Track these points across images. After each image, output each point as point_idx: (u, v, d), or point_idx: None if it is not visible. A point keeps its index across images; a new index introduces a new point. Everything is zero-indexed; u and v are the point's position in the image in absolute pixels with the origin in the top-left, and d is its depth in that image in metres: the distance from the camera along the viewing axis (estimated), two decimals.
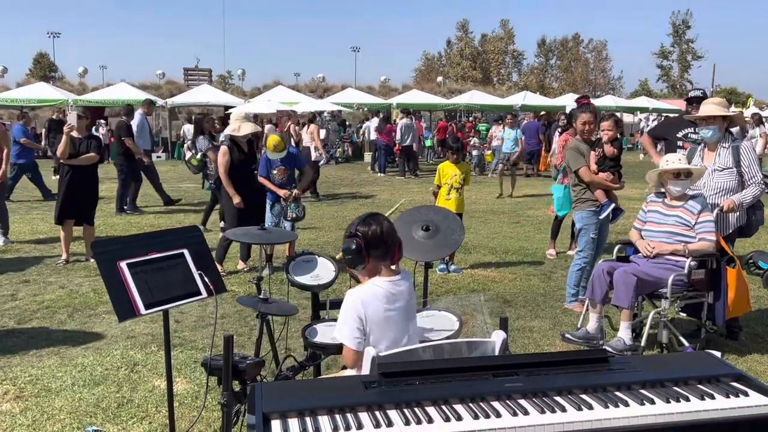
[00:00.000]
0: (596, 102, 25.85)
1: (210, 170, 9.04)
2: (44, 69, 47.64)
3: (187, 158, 9.57)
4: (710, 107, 4.87)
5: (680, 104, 22.12)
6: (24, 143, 12.31)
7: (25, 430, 3.46)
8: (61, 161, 7.09)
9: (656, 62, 57.97)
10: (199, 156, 9.32)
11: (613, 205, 5.50)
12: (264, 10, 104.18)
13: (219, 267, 6.65)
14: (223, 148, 6.74)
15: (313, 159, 13.62)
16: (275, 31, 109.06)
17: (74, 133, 7.06)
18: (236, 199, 6.60)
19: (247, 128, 6.66)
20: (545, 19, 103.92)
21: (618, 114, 15.19)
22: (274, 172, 6.74)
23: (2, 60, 76.56)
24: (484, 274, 7.01)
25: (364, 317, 2.51)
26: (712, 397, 1.94)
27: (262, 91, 30.87)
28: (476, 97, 28.68)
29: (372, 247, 2.54)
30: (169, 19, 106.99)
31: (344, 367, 2.76)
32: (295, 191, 6.73)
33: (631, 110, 31.98)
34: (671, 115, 23.26)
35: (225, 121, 9.26)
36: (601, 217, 5.49)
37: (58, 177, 16.01)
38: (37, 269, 6.98)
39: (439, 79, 45.36)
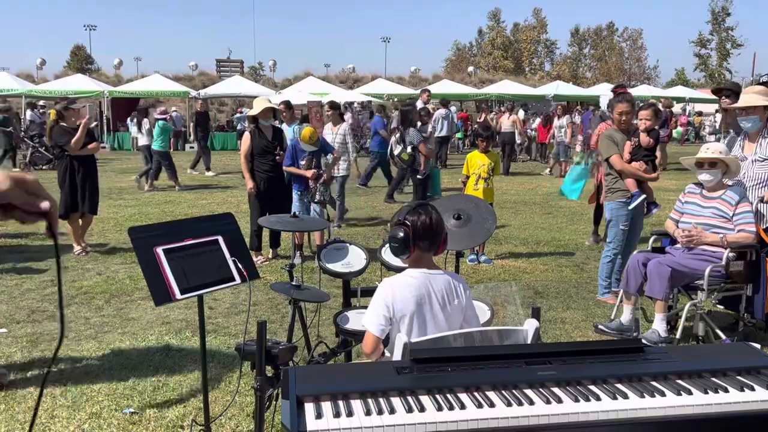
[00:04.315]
0: (631, 92, 25.32)
1: (418, 165, 8.49)
2: (81, 61, 48.59)
3: (397, 152, 8.64)
4: (751, 97, 4.72)
5: None
6: (383, 135, 12.72)
7: (65, 410, 3.56)
8: (70, 153, 6.78)
9: (694, 51, 56.47)
10: (409, 149, 8.54)
11: (643, 196, 5.35)
12: (294, 0, 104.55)
13: (253, 255, 6.74)
14: (246, 134, 6.95)
15: (518, 143, 16.35)
16: (306, 22, 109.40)
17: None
18: (249, 184, 6.75)
19: (260, 105, 6.80)
20: (579, 7, 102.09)
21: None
22: (302, 162, 6.78)
23: (41, 53, 78.47)
24: (515, 264, 6.95)
25: (392, 306, 2.48)
26: (752, 389, 1.89)
27: (293, 82, 31.04)
28: (508, 86, 28.38)
29: (419, 237, 2.51)
30: (201, 10, 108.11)
31: None
32: (324, 175, 6.82)
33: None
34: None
35: (425, 114, 8.87)
36: (631, 207, 5.35)
37: (191, 171, 16.22)
38: (75, 256, 7.15)
39: (470, 68, 44.93)
